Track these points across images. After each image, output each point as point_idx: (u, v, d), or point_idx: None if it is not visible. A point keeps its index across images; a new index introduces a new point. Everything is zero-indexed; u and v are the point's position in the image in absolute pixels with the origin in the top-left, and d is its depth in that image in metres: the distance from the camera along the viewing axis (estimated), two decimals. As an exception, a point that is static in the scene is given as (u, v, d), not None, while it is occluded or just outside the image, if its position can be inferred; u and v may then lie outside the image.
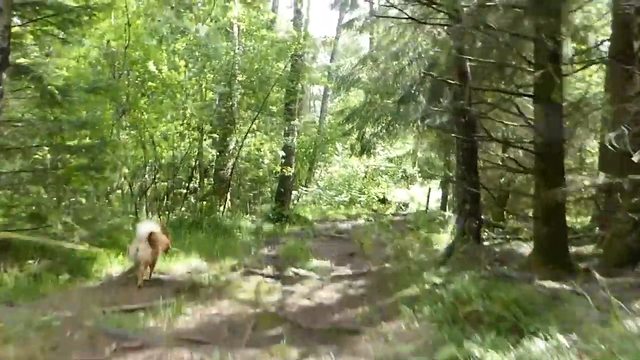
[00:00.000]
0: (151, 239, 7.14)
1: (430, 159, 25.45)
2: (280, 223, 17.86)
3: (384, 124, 19.57)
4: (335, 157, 25.79)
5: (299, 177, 20.49)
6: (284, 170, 17.92)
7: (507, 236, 11.83)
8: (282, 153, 17.88)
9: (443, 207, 19.17)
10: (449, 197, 19.27)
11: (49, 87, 7.22)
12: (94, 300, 6.18)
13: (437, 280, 6.69)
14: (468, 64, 9.11)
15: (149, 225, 7.59)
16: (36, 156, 8.47)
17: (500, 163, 12.35)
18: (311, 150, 21.50)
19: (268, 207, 18.83)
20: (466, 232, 8.74)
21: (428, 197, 23.30)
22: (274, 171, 18.19)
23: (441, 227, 15.03)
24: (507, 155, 12.26)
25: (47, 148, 8.41)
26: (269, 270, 8.18)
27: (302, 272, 8.50)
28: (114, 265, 8.15)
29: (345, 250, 12.65)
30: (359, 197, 25.44)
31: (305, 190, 23.07)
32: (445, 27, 9.37)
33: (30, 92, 8.02)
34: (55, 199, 8.40)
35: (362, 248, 12.45)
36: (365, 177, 27.04)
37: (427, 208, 23.14)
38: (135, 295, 6.67)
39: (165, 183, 16.39)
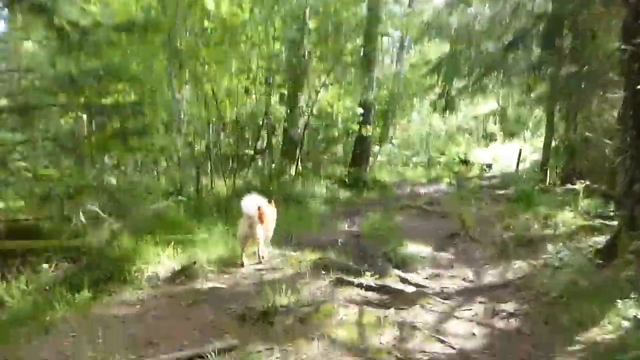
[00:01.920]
0: (259, 213, 6.52)
1: (522, 117, 22.28)
2: (357, 189, 15.50)
3: (475, 77, 16.64)
4: (413, 114, 22.98)
5: (374, 136, 17.83)
6: (363, 129, 15.37)
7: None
8: (359, 110, 15.30)
9: (543, 171, 16.16)
10: (550, 160, 16.19)
11: (59, 23, 4.97)
12: (117, 338, 4.04)
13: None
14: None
15: (254, 199, 6.68)
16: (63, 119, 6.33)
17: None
18: (386, 106, 18.76)
19: (343, 171, 16.44)
20: (637, 222, 6.02)
21: (519, 158, 20.23)
22: (351, 131, 15.67)
23: (544, 197, 12.17)
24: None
25: (75, 107, 6.22)
26: (367, 278, 5.72)
27: (410, 277, 6.05)
28: (160, 263, 6.04)
29: (442, 229, 10.17)
30: (439, 157, 22.66)
31: (380, 150, 20.45)
32: None
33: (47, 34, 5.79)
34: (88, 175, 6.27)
35: (465, 227, 9.90)
36: (445, 136, 24.14)
37: (517, 171, 20.09)
38: (184, 322, 4.50)
39: (230, 144, 14.27)
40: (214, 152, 13.43)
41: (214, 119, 14.03)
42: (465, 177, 21.20)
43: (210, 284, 5.68)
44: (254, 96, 15.15)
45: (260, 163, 15.03)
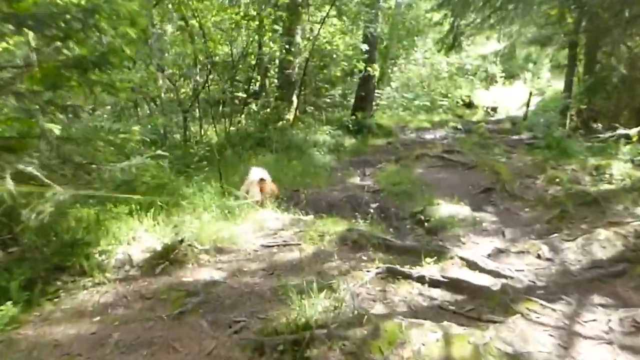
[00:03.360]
0: (261, 184, 6.73)
1: (531, 57, 20.27)
2: (362, 135, 13.68)
3: (490, 9, 14.62)
4: (415, 53, 20.84)
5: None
6: (368, 68, 13.36)
7: None
8: (364, 46, 13.26)
9: (562, 114, 14.38)
10: (570, 101, 14.34)
11: None
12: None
13: None
14: None
15: (260, 171, 6.95)
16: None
17: None
18: (387, 43, 16.63)
19: (346, 115, 14.54)
20: None
21: (528, 101, 18.43)
22: (356, 69, 13.65)
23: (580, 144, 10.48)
24: None
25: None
26: (427, 266, 3.92)
27: (473, 257, 4.26)
28: (136, 240, 4.29)
29: (472, 183, 8.51)
30: (441, 100, 20.74)
31: (379, 93, 18.47)
32: None
33: None
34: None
35: (500, 180, 8.22)
36: (447, 77, 22.10)
37: (526, 115, 18.32)
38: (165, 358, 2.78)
39: (220, 86, 12.27)
40: (202, 96, 11.46)
41: (200, 58, 12.03)
42: (470, 121, 19.45)
43: (203, 275, 3.95)
44: (244, 32, 13.07)
45: (254, 107, 13.08)
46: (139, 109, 10.71)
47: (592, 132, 11.63)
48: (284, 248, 4.64)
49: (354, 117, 14.05)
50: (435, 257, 4.17)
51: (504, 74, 26.16)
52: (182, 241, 4.19)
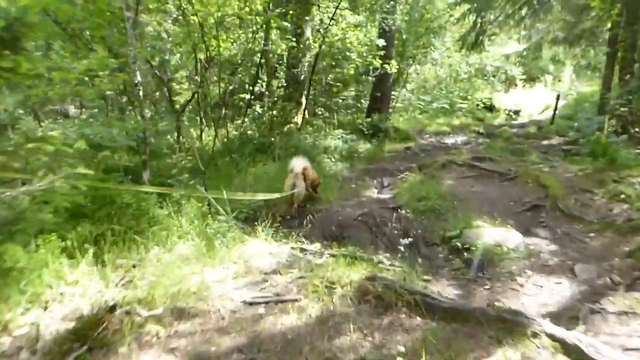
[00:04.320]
0: (304, 174, 6.61)
1: (558, 56, 18.50)
2: (378, 140, 12.12)
3: (513, 9, 13.01)
4: (432, 53, 19.13)
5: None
6: (386, 65, 11.76)
7: None
8: (380, 42, 11.68)
9: (601, 113, 12.62)
10: (611, 102, 12.62)
11: None
12: None
13: None
14: None
15: (301, 161, 6.76)
16: None
17: None
18: (405, 39, 14.97)
19: (359, 118, 12.98)
20: None
21: (556, 104, 16.72)
22: (372, 67, 12.09)
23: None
24: None
25: None
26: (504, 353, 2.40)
27: (586, 345, 2.66)
28: (57, 302, 2.82)
29: (514, 197, 6.92)
30: (461, 103, 19.07)
31: (394, 95, 16.86)
32: None
33: None
34: None
35: (549, 195, 6.63)
36: (467, 79, 20.37)
37: (553, 119, 16.60)
38: None
39: (222, 86, 10.78)
40: (202, 96, 9.98)
41: (201, 57, 10.60)
42: (492, 124, 17.81)
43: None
44: (249, 28, 11.58)
45: (258, 109, 11.56)
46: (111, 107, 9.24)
47: (632, 138, 9.98)
48: (275, 308, 3.10)
49: (369, 119, 12.49)
50: (508, 332, 2.61)
51: (524, 77, 24.46)
52: (113, 308, 2.67)
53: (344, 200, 7.24)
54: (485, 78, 21.72)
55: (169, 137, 8.79)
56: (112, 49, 7.05)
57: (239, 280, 3.52)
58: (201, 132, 10.38)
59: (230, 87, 12.62)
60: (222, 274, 3.58)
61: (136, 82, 6.33)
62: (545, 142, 13.74)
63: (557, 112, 17.16)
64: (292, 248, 4.45)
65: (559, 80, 26.47)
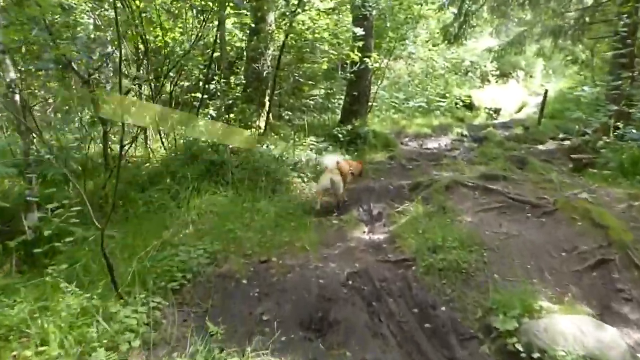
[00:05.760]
0: (340, 168, 6.36)
1: (543, 49, 16.60)
2: (356, 148, 9.87)
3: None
4: (408, 46, 16.83)
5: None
6: (365, 59, 9.46)
7: None
8: (357, 30, 9.38)
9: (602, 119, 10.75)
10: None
11: None
12: None
13: None
14: None
15: (332, 157, 6.74)
16: None
17: None
18: (383, 31, 12.72)
19: (333, 121, 10.69)
20: None
21: (543, 102, 14.84)
22: (349, 61, 9.73)
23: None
24: None
25: None
26: None
27: None
28: None
29: (560, 244, 4.75)
30: (439, 101, 16.97)
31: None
32: None
33: None
34: None
35: (613, 240, 4.51)
36: (445, 74, 18.23)
37: (540, 118, 14.68)
38: None
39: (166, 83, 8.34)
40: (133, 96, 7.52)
41: (140, 45, 8.20)
42: (474, 125, 15.85)
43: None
44: (200, 17, 9.13)
45: (212, 112, 9.10)
46: None
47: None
48: None
49: (344, 123, 10.22)
50: None
51: (497, 72, 22.59)
52: None
53: (325, 248, 4.99)
54: (462, 74, 19.69)
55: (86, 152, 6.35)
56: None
57: None
58: (146, 139, 7.99)
59: (184, 84, 10.17)
60: None
61: (8, 80, 4.00)
62: (541, 147, 11.84)
63: (544, 110, 15.25)
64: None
65: (531, 76, 24.94)
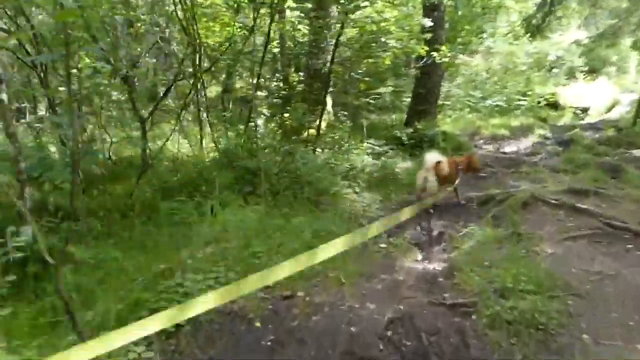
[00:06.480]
0: (437, 168, 5.95)
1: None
2: (421, 151, 8.72)
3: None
4: (485, 39, 15.28)
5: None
6: (433, 54, 8.31)
7: None
8: (426, 21, 8.25)
9: None
10: None
11: None
12: None
13: None
14: None
15: (435, 156, 6.21)
16: None
17: None
18: (455, 23, 11.43)
19: (398, 123, 9.61)
20: None
21: (640, 101, 12.89)
22: (416, 55, 8.60)
23: None
24: None
25: None
26: None
27: None
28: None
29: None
30: (519, 100, 15.35)
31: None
32: None
33: None
34: None
35: None
36: (527, 70, 16.53)
37: (636, 119, 12.69)
38: None
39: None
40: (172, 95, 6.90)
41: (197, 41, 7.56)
42: (558, 126, 14.12)
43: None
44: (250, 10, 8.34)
45: (265, 114, 8.32)
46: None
47: None
48: None
49: (410, 125, 9.11)
50: None
51: (586, 68, 20.32)
52: None
53: (364, 281, 4.03)
54: (545, 70, 17.79)
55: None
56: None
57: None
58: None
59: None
60: None
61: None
62: (637, 153, 10.08)
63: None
64: None
65: (624, 72, 22.35)
